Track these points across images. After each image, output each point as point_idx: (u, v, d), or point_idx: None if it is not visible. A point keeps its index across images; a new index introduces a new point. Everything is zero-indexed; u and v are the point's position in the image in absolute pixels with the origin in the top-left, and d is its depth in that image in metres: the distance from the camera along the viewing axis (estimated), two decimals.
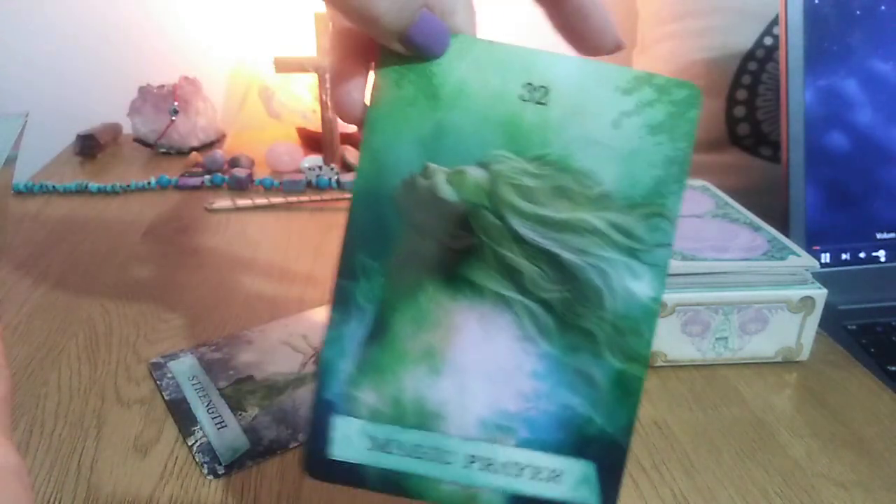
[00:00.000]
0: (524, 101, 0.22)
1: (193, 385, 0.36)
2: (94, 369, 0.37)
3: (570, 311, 0.22)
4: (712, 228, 0.42)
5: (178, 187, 0.66)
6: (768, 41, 0.69)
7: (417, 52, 0.22)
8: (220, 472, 0.30)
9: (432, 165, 0.22)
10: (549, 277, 0.22)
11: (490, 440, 0.22)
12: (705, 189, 0.49)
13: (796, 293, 0.37)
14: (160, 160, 0.74)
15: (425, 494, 0.22)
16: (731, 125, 0.73)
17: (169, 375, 0.37)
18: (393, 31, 0.21)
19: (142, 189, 0.65)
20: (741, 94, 0.71)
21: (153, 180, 0.65)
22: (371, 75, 0.23)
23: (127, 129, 0.84)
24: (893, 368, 0.41)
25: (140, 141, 0.77)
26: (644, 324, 0.22)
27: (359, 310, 0.22)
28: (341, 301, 0.22)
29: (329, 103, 0.69)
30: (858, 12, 0.49)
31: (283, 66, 0.68)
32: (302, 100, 0.73)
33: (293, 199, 0.62)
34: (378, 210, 0.22)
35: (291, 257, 0.51)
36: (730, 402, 0.36)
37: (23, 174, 0.75)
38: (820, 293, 0.37)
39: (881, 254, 0.51)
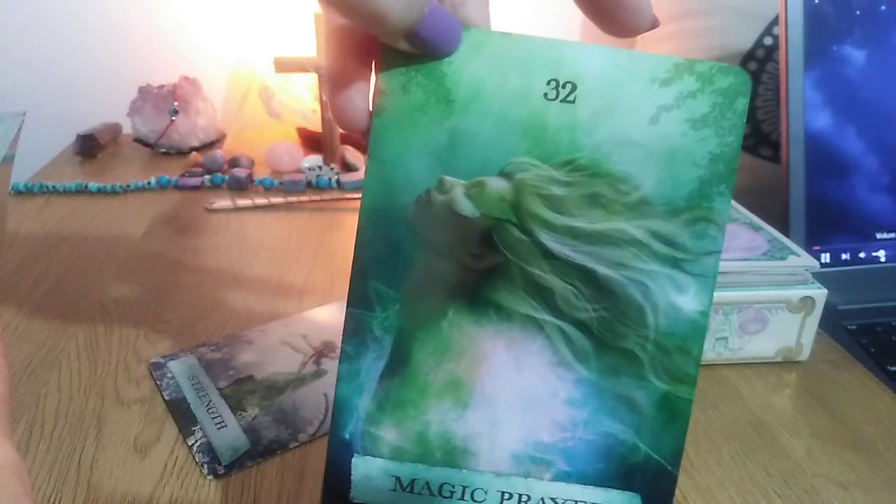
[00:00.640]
0: (549, 99, 0.19)
1: (193, 385, 0.36)
2: (94, 369, 0.37)
3: (608, 332, 0.20)
4: None
5: (178, 187, 0.66)
6: (768, 41, 0.69)
7: (426, 51, 0.19)
8: (220, 472, 0.30)
9: (448, 178, 0.20)
10: (583, 296, 0.19)
11: (524, 475, 0.20)
12: None
13: (796, 293, 0.37)
14: (160, 160, 0.74)
15: None
16: None
17: (169, 375, 0.37)
18: (399, 29, 0.18)
19: (142, 189, 0.65)
20: None
21: (153, 180, 0.65)
22: (373, 79, 0.21)
23: (127, 129, 0.84)
24: (893, 368, 0.41)
25: (140, 141, 0.77)
26: (692, 340, 0.20)
27: (375, 341, 0.20)
28: (355, 332, 0.20)
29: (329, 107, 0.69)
30: (858, 12, 0.49)
31: (283, 66, 0.68)
32: (302, 100, 0.73)
33: (293, 199, 0.62)
34: (389, 231, 0.20)
35: (291, 257, 0.51)
36: (730, 402, 0.36)
37: (23, 174, 0.75)
38: (820, 293, 0.37)
39: (881, 254, 0.51)
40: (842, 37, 0.49)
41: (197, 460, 0.31)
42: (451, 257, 0.20)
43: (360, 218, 0.20)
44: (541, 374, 0.20)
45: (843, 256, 0.50)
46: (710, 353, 0.38)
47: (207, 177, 0.66)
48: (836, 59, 0.49)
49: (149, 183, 0.65)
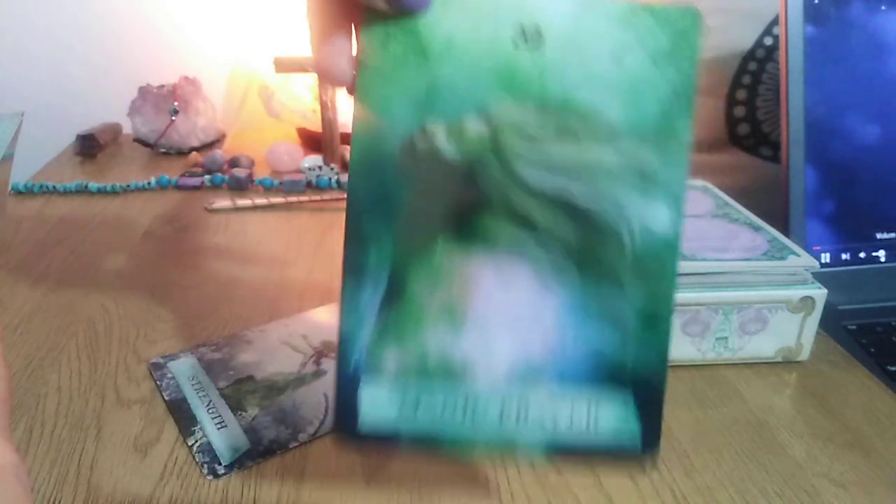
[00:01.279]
0: (517, 47, 0.21)
1: (193, 385, 0.36)
2: (94, 369, 0.37)
3: (588, 255, 0.21)
4: (712, 228, 0.42)
5: (178, 187, 0.66)
6: (768, 41, 0.69)
7: (403, 9, 0.21)
8: (220, 472, 0.30)
9: (430, 125, 0.21)
10: (563, 223, 0.21)
11: (522, 383, 0.21)
12: (705, 189, 0.49)
13: (796, 293, 0.37)
14: (160, 160, 0.74)
15: (460, 452, 0.21)
16: (731, 125, 0.73)
17: (169, 376, 0.37)
18: None
19: (142, 189, 0.65)
20: (741, 94, 0.71)
21: (153, 180, 0.65)
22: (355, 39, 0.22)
23: (127, 129, 0.84)
24: (893, 368, 0.41)
25: (140, 141, 0.77)
26: (667, 259, 0.21)
27: (372, 275, 0.21)
28: (353, 269, 0.21)
29: (329, 102, 0.69)
30: (858, 12, 0.49)
31: (283, 66, 0.68)
32: (302, 100, 0.73)
33: (293, 199, 0.62)
34: (379, 175, 0.21)
35: (291, 257, 0.51)
36: (730, 402, 0.36)
37: (23, 174, 0.75)
38: (820, 293, 0.37)
39: (881, 254, 0.51)
40: (842, 37, 0.49)
41: (197, 460, 0.31)
42: (439, 195, 0.21)
43: (350, 164, 0.22)
44: (528, 296, 0.21)
45: (843, 256, 0.50)
46: (710, 353, 0.38)
47: (207, 177, 0.66)
48: (836, 59, 0.49)
49: (149, 183, 0.65)
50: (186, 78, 0.78)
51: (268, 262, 0.50)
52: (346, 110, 0.73)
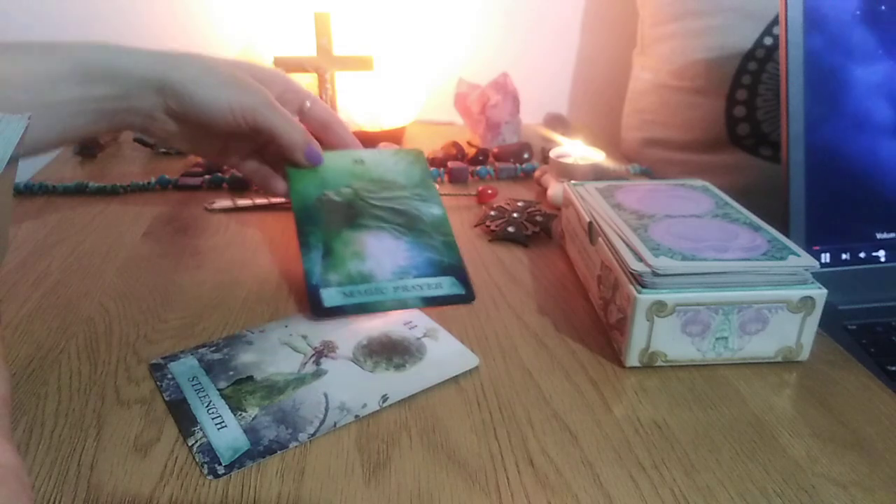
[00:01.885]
0: (355, 163, 0.52)
1: (193, 385, 0.36)
2: (94, 369, 0.37)
3: (412, 225, 0.48)
4: (712, 228, 0.42)
5: (178, 187, 0.66)
6: (768, 41, 0.69)
7: (309, 163, 0.51)
8: (220, 472, 0.30)
9: (326, 192, 0.49)
10: (396, 216, 0.48)
11: (400, 278, 0.44)
12: (705, 189, 0.49)
13: (796, 293, 0.37)
14: (160, 160, 0.74)
15: (379, 308, 0.42)
16: (731, 125, 0.73)
17: (169, 376, 0.37)
18: (299, 152, 0.50)
19: (142, 189, 0.65)
20: (741, 94, 0.71)
21: (153, 180, 0.65)
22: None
23: None
24: (893, 368, 0.41)
25: (140, 141, 0.77)
26: (444, 222, 0.48)
27: (314, 246, 0.45)
28: (305, 245, 0.45)
29: (329, 102, 0.69)
30: (858, 12, 0.49)
31: (283, 66, 0.68)
32: None
33: None
34: (308, 210, 0.47)
35: (291, 257, 0.51)
36: (730, 402, 0.36)
37: (23, 174, 0.75)
38: (820, 293, 0.37)
39: (881, 254, 0.51)
40: (842, 37, 0.49)
41: (197, 460, 0.31)
42: (337, 214, 0.48)
43: (293, 209, 0.48)
44: (390, 244, 0.46)
45: (843, 256, 0.50)
46: (710, 352, 0.38)
47: (207, 177, 0.66)
48: (837, 59, 0.49)
49: (149, 183, 0.65)
50: None
51: (268, 262, 0.50)
52: (345, 110, 0.73)
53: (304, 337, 0.40)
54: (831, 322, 0.45)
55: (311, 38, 0.70)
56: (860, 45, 0.49)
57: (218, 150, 0.52)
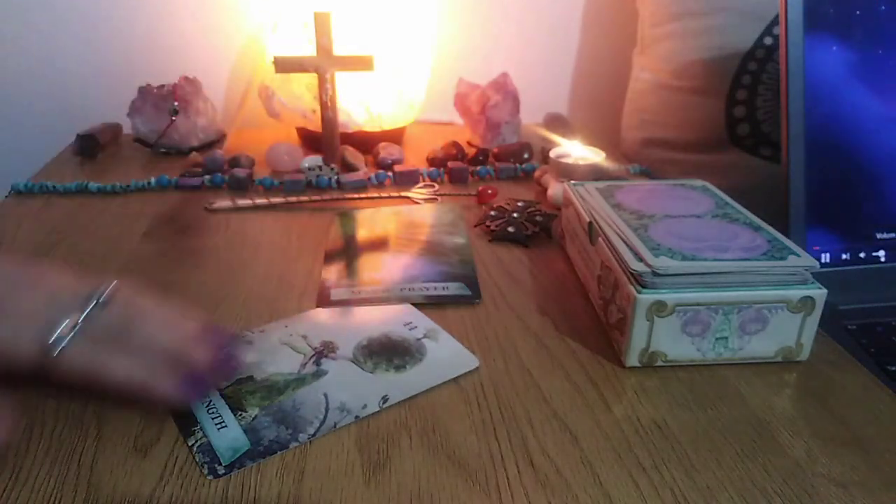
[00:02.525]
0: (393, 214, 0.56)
1: None
2: None
3: (433, 249, 0.52)
4: (712, 228, 0.42)
5: (178, 187, 0.66)
6: (768, 41, 0.69)
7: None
8: (220, 472, 0.30)
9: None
10: (419, 243, 0.53)
11: (410, 282, 0.46)
12: (705, 189, 0.49)
13: (796, 293, 0.37)
14: (160, 160, 0.74)
15: (382, 302, 0.44)
16: (731, 125, 0.73)
17: None
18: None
19: (142, 189, 0.65)
20: (741, 94, 0.71)
21: (153, 180, 0.65)
22: None
23: (127, 129, 0.84)
24: (893, 368, 0.41)
25: (140, 141, 0.77)
26: (465, 248, 0.52)
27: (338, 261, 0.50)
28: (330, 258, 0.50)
29: (329, 102, 0.69)
30: (858, 12, 0.49)
31: (283, 66, 0.68)
32: (302, 100, 0.73)
33: (293, 199, 0.62)
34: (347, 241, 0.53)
35: (291, 257, 0.51)
36: (730, 402, 0.36)
37: (23, 174, 0.75)
38: (820, 293, 0.37)
39: (881, 254, 0.51)
40: (842, 37, 0.49)
41: (197, 460, 0.31)
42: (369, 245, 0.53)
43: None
44: (407, 261, 0.50)
45: (843, 256, 0.50)
46: (710, 352, 0.38)
47: (207, 177, 0.66)
48: (836, 59, 0.49)
49: (149, 183, 0.65)
50: (186, 78, 0.78)
51: (268, 262, 0.50)
52: (345, 110, 0.73)
53: (304, 337, 0.40)
54: (831, 322, 0.45)
55: (311, 38, 0.70)
56: (860, 45, 0.49)
57: None
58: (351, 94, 0.72)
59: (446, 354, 0.39)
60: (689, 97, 0.75)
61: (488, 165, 0.72)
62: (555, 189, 0.62)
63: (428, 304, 0.44)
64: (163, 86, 0.76)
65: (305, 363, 0.38)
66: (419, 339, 0.40)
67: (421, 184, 0.67)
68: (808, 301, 0.37)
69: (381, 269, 0.48)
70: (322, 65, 0.68)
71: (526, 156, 0.72)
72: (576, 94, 0.97)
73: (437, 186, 0.66)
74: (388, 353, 0.39)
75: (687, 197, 0.47)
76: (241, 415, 0.34)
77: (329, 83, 0.69)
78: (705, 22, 0.72)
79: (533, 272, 0.50)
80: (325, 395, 0.35)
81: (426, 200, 0.63)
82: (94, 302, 0.32)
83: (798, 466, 0.32)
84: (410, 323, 0.42)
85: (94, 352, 0.31)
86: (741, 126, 0.72)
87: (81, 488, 0.29)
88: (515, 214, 0.56)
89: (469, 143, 0.80)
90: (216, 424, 0.33)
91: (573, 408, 0.35)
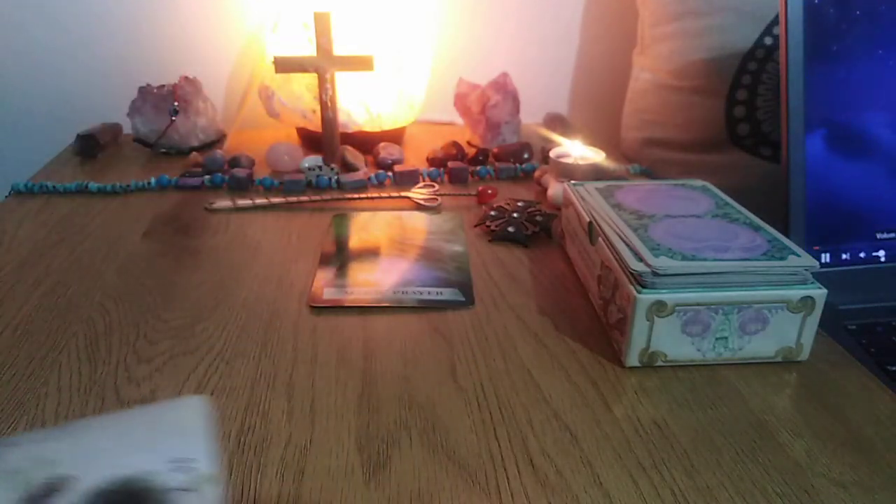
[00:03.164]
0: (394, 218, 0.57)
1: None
2: (94, 369, 0.37)
3: (430, 256, 0.51)
4: (712, 228, 0.42)
5: (178, 187, 0.66)
6: (768, 41, 0.69)
7: None
8: None
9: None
10: (417, 249, 0.52)
11: (404, 286, 0.46)
12: (705, 189, 0.49)
13: (796, 293, 0.37)
14: (160, 160, 0.74)
15: (376, 304, 0.44)
16: (731, 125, 0.73)
17: None
18: None
19: (142, 189, 0.65)
20: (741, 94, 0.71)
21: (153, 180, 0.65)
22: None
23: (127, 129, 0.84)
24: (893, 368, 0.41)
25: (140, 141, 0.77)
26: (462, 256, 0.52)
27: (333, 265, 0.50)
28: (326, 262, 0.50)
29: (329, 102, 0.69)
30: (858, 12, 0.49)
31: (283, 66, 0.68)
32: (302, 100, 0.73)
33: (293, 199, 0.62)
34: (341, 244, 0.53)
35: (291, 257, 0.51)
36: (730, 402, 0.36)
37: (23, 174, 0.76)
38: (820, 293, 0.37)
39: (881, 254, 0.51)
40: (842, 37, 0.49)
41: None
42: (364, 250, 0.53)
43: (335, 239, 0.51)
44: (403, 266, 0.50)
45: (843, 256, 0.50)
46: (710, 352, 0.38)
47: (207, 177, 0.66)
48: (837, 59, 0.49)
49: (149, 183, 0.65)
50: (186, 78, 0.78)
51: (268, 262, 0.50)
52: (345, 110, 0.73)
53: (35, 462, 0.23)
54: (831, 322, 0.45)
55: (311, 37, 0.70)
56: (861, 45, 0.49)
57: None
58: (351, 94, 0.72)
59: None
60: (690, 97, 0.75)
61: (488, 165, 0.72)
62: (555, 189, 0.62)
63: (421, 308, 0.44)
64: (163, 86, 0.76)
65: None
66: (174, 491, 0.22)
67: (421, 184, 0.67)
68: (808, 301, 0.37)
69: (377, 272, 0.48)
70: (322, 65, 0.68)
71: (526, 156, 0.72)
72: (576, 94, 0.97)
73: (437, 186, 0.66)
74: None
75: (687, 197, 0.47)
76: None
77: (329, 83, 0.69)
78: (705, 22, 0.72)
79: (533, 272, 0.50)
80: None
81: (426, 200, 0.63)
82: None
83: (798, 466, 0.32)
84: (185, 461, 0.23)
85: None
86: (741, 126, 0.72)
87: None
88: (515, 214, 0.56)
89: (469, 143, 0.80)
90: None
91: (573, 408, 0.35)
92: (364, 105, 0.73)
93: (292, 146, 0.72)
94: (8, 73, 0.86)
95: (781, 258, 0.38)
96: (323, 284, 0.47)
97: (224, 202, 0.61)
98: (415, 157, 0.76)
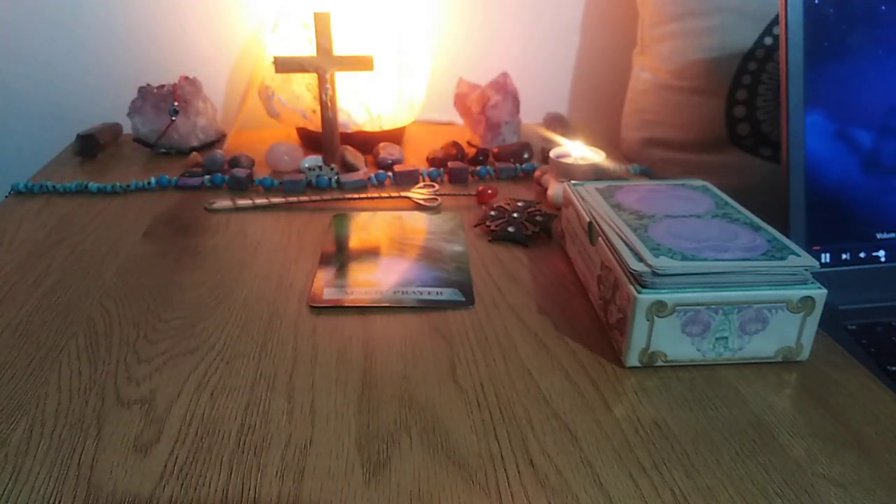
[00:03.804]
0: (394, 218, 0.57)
1: None
2: (94, 369, 0.37)
3: (430, 256, 0.51)
4: (712, 228, 0.42)
5: (178, 187, 0.66)
6: (768, 41, 0.69)
7: None
8: None
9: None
10: (417, 249, 0.52)
11: (404, 286, 0.46)
12: (705, 189, 0.49)
13: (796, 293, 0.37)
14: (160, 160, 0.74)
15: (375, 304, 0.44)
16: (731, 125, 0.73)
17: None
18: None
19: (142, 189, 0.65)
20: (741, 94, 0.71)
21: (153, 180, 0.65)
22: None
23: (127, 129, 0.84)
24: (893, 368, 0.41)
25: (140, 141, 0.77)
26: (462, 255, 0.52)
27: (334, 265, 0.50)
28: (326, 263, 0.50)
29: (329, 102, 0.69)
30: (858, 12, 0.49)
31: (283, 66, 0.68)
32: (302, 100, 0.73)
33: (293, 199, 0.62)
34: (341, 244, 0.54)
35: (291, 257, 0.51)
36: (730, 402, 0.36)
37: (23, 174, 0.76)
38: (820, 293, 0.37)
39: (881, 254, 0.51)
40: (842, 37, 0.49)
41: None
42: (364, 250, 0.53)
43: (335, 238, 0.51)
44: (403, 266, 0.50)
45: (843, 256, 0.50)
46: (710, 352, 0.38)
47: (207, 177, 0.66)
48: (837, 60, 0.49)
49: (149, 183, 0.65)
50: (186, 78, 0.78)
51: (268, 262, 0.50)
52: (345, 110, 0.73)
53: None
54: (831, 322, 0.45)
55: (311, 37, 0.70)
56: (860, 44, 0.49)
57: None
58: (351, 94, 0.72)
59: None
60: (690, 97, 0.75)
61: (488, 165, 0.72)
62: (555, 189, 0.62)
63: (421, 308, 0.44)
64: (163, 86, 0.76)
65: None
66: None
67: (421, 184, 0.67)
68: (808, 301, 0.37)
69: (377, 272, 0.48)
70: (322, 65, 0.68)
71: (526, 156, 0.72)
72: (576, 94, 0.97)
73: (437, 186, 0.66)
74: None
75: (687, 197, 0.47)
76: None
77: (329, 83, 0.69)
78: (705, 22, 0.72)
79: (533, 272, 0.50)
80: None
81: (426, 200, 0.63)
82: None
83: (798, 466, 0.32)
84: None
85: None
86: (741, 126, 0.72)
87: (81, 488, 0.29)
88: (515, 214, 0.56)
89: (469, 143, 0.80)
90: None
91: (573, 408, 0.35)
92: (364, 105, 0.73)
93: (292, 146, 0.72)
94: (8, 72, 0.86)
95: (781, 258, 0.38)
96: (323, 284, 0.46)
97: (224, 202, 0.61)
98: (415, 157, 0.76)
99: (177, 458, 0.31)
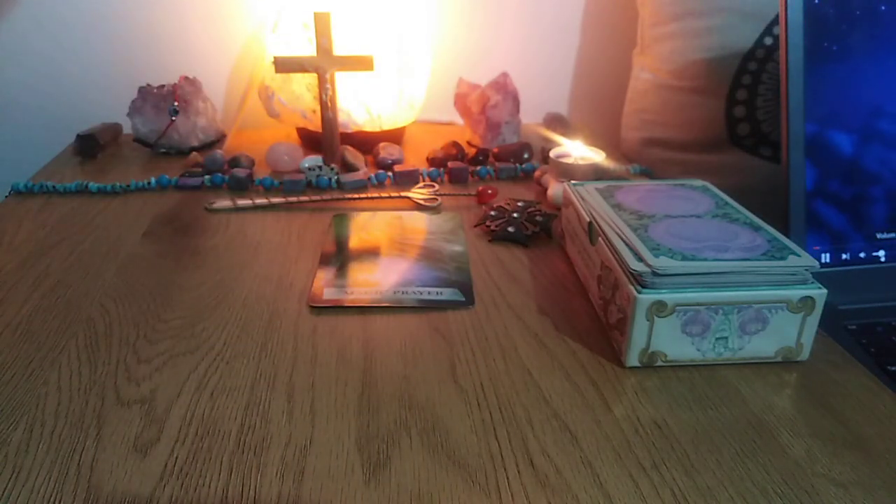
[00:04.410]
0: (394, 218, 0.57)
1: None
2: (94, 369, 0.37)
3: (430, 256, 0.51)
4: (712, 228, 0.42)
5: (178, 187, 0.66)
6: (768, 41, 0.69)
7: None
8: None
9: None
10: (417, 249, 0.52)
11: (404, 286, 0.46)
12: (705, 189, 0.49)
13: (796, 293, 0.37)
14: (160, 160, 0.74)
15: (375, 303, 0.44)
16: (731, 125, 0.73)
17: None
18: None
19: (142, 189, 0.65)
20: (741, 94, 0.71)
21: (153, 180, 0.65)
22: None
23: (127, 129, 0.84)
24: (893, 368, 0.41)
25: (140, 141, 0.77)
26: (462, 255, 0.51)
27: (334, 265, 0.50)
28: (326, 263, 0.50)
29: (329, 102, 0.69)
30: (858, 12, 0.49)
31: (283, 66, 0.68)
32: (302, 100, 0.73)
33: (293, 199, 0.62)
34: (341, 244, 0.53)
35: (291, 257, 0.51)
36: (730, 402, 0.36)
37: (23, 174, 0.76)
38: (820, 293, 0.37)
39: (881, 254, 0.51)
40: (842, 37, 0.49)
41: None
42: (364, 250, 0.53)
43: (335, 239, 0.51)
44: (403, 266, 0.50)
45: (843, 256, 0.50)
46: (710, 352, 0.38)
47: (207, 177, 0.66)
48: (837, 60, 0.49)
49: (149, 183, 0.65)
50: (186, 78, 0.78)
51: (268, 262, 0.50)
52: (345, 110, 0.73)
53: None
54: (831, 322, 0.45)
55: (311, 37, 0.70)
56: (860, 45, 0.49)
57: None
58: (351, 94, 0.72)
59: None
60: (689, 97, 0.75)
61: (488, 165, 0.72)
62: (555, 189, 0.62)
63: (421, 308, 0.44)
64: (163, 86, 0.76)
65: None
66: None
67: (421, 184, 0.67)
68: (808, 301, 0.37)
69: (377, 272, 0.48)
70: (322, 65, 0.68)
71: (526, 156, 0.72)
72: (576, 94, 0.97)
73: (437, 186, 0.67)
74: None
75: (687, 197, 0.47)
76: None
77: (329, 83, 0.69)
78: (705, 22, 0.72)
79: (533, 272, 0.50)
80: None
81: (426, 200, 0.63)
82: None
83: (798, 466, 0.32)
84: None
85: None
86: (741, 126, 0.72)
87: (81, 488, 0.29)
88: (515, 214, 0.56)
89: (469, 143, 0.80)
90: None
91: (573, 408, 0.35)
92: (364, 105, 0.73)
93: (292, 146, 0.72)
94: (8, 72, 0.86)
95: (781, 258, 0.38)
96: (323, 284, 0.46)
97: (224, 202, 0.61)
98: (415, 157, 0.76)
99: (177, 458, 0.31)
